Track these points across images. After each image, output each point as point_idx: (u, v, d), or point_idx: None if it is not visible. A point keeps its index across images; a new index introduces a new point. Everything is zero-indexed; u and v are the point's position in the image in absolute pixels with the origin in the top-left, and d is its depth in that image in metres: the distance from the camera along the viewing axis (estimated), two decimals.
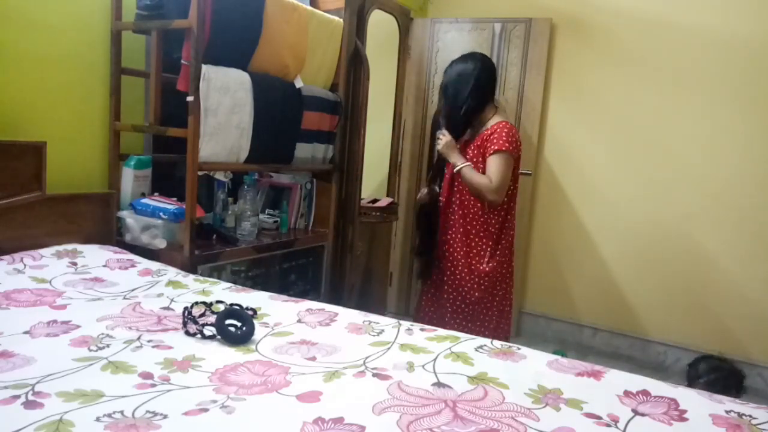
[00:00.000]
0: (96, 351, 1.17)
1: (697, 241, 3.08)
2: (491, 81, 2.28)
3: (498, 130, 2.16)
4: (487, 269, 2.25)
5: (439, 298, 2.36)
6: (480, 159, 2.21)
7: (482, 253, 2.26)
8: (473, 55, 2.30)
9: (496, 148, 2.14)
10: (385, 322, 1.49)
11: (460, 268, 2.28)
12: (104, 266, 1.75)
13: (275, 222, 2.48)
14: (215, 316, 1.38)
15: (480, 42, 3.32)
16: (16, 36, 1.84)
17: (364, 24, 2.72)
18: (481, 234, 2.25)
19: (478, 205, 2.24)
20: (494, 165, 2.14)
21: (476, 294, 2.26)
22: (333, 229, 2.65)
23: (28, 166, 1.80)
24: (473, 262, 2.26)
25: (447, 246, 2.32)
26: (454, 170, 2.25)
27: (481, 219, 2.24)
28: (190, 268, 1.91)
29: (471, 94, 2.21)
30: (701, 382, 2.09)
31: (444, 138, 2.28)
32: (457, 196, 2.29)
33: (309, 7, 2.38)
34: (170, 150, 2.24)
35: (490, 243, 2.25)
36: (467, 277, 2.27)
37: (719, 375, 2.12)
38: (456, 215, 2.30)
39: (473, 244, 2.27)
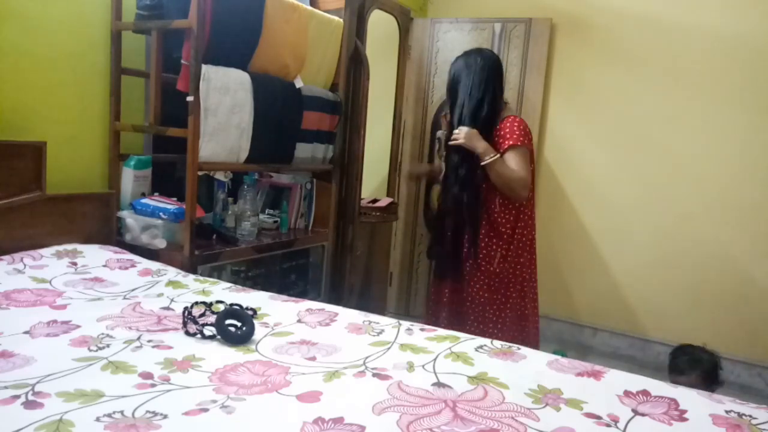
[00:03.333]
0: (96, 351, 1.17)
1: (697, 240, 3.08)
2: (502, 73, 2.25)
3: (509, 124, 2.13)
4: (496, 270, 2.21)
5: (458, 297, 2.32)
6: None
7: (492, 253, 2.22)
8: (480, 49, 2.28)
9: (510, 143, 2.08)
10: (385, 322, 1.49)
11: (470, 268, 2.26)
12: (104, 266, 1.75)
13: (275, 222, 2.48)
14: (215, 316, 1.38)
15: (480, 42, 3.31)
16: (16, 36, 1.83)
17: (364, 24, 2.72)
18: (491, 234, 2.21)
19: (489, 204, 2.21)
20: (514, 161, 2.07)
21: (485, 295, 2.22)
22: (333, 229, 2.65)
23: (28, 166, 1.80)
24: (483, 262, 2.23)
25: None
26: (483, 162, 2.08)
27: (491, 218, 2.21)
28: (190, 268, 1.91)
29: (490, 86, 2.15)
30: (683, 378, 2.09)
31: (462, 130, 2.12)
32: None
33: (309, 7, 2.38)
34: (170, 150, 2.24)
35: (501, 243, 2.20)
36: (477, 276, 2.24)
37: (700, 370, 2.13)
38: None
39: (483, 244, 2.23)
